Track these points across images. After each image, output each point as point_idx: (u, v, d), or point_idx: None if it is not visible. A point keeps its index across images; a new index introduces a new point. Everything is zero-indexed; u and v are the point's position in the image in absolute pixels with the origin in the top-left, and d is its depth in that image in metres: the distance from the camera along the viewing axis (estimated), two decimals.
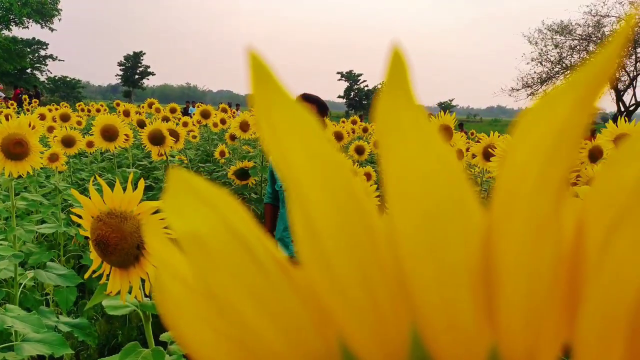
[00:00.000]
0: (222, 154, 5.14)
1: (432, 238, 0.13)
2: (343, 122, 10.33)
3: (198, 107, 6.49)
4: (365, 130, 9.86)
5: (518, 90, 30.02)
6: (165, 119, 6.47)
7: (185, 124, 5.90)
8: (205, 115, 6.22)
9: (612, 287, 0.12)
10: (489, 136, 3.27)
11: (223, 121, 6.43)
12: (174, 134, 3.80)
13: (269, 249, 0.16)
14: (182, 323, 0.17)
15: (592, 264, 0.12)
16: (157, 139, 3.53)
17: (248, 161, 4.24)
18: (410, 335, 0.14)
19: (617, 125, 2.39)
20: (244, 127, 4.55)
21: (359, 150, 5.73)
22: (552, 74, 29.10)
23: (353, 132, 9.33)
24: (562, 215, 0.12)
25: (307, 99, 2.39)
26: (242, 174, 4.06)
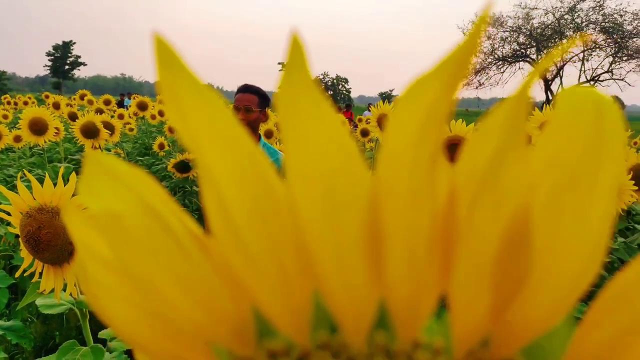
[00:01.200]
0: (161, 146, 5.00)
1: (328, 208, 0.14)
2: None
3: (134, 98, 6.28)
4: None
5: None
6: (99, 111, 6.21)
7: (121, 116, 5.69)
8: (142, 107, 6.03)
9: (478, 242, 0.14)
10: None
11: (161, 113, 6.25)
12: (109, 127, 3.66)
13: (186, 225, 0.17)
14: (105, 302, 0.17)
15: (462, 223, 0.14)
16: (90, 132, 3.40)
17: (188, 153, 4.15)
18: (314, 296, 0.15)
19: (542, 113, 2.53)
20: None
21: None
22: (485, 65, 30.27)
23: None
24: (437, 182, 0.14)
25: (248, 90, 2.35)
26: (183, 166, 3.98)
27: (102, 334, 1.22)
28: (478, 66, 30.12)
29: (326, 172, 0.14)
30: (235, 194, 0.15)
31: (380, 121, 3.04)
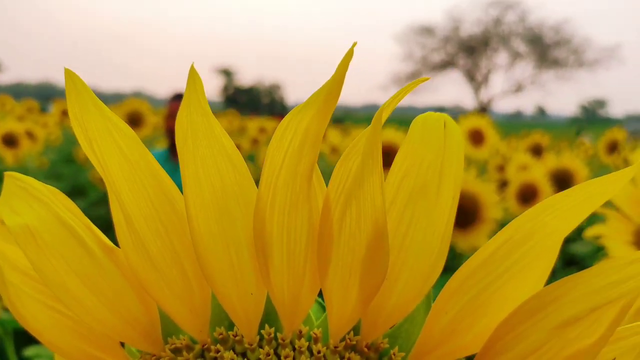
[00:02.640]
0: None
1: (219, 219, 0.16)
2: (219, 119, 10.17)
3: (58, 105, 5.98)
4: (242, 128, 9.82)
5: (389, 87, 31.94)
6: (21, 119, 5.86)
7: (44, 124, 5.41)
8: (67, 113, 5.76)
9: (348, 245, 0.16)
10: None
11: None
12: (31, 135, 3.48)
13: (97, 236, 0.18)
14: (24, 309, 0.19)
15: (335, 230, 0.16)
16: (10, 140, 3.21)
17: None
18: (212, 297, 0.17)
19: (467, 119, 2.68)
20: None
21: (238, 148, 5.70)
22: (417, 73, 31.35)
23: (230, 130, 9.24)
24: (313, 194, 0.16)
25: (181, 97, 2.32)
26: None
27: (27, 352, 1.17)
28: (411, 74, 31.16)
29: (218, 188, 0.16)
30: (137, 208, 0.17)
31: None
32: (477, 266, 0.16)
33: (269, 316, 0.17)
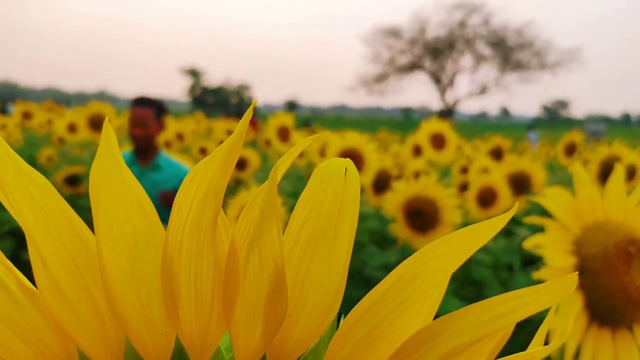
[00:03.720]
0: (49, 158, 4.67)
1: (130, 263, 0.17)
2: (186, 121, 10.05)
3: (19, 105, 5.80)
4: (209, 129, 9.73)
5: (357, 88, 32.17)
6: None
7: (3, 126, 5.24)
8: (28, 115, 5.60)
9: (252, 287, 0.18)
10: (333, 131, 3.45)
11: (49, 122, 5.84)
12: None
13: (18, 278, 0.19)
14: None
15: (241, 272, 0.18)
16: None
17: (79, 165, 3.92)
18: (126, 338, 0.18)
19: (430, 124, 2.73)
20: (73, 128, 4.20)
21: (203, 151, 5.66)
22: (385, 74, 31.71)
23: (195, 133, 9.14)
24: (219, 239, 0.18)
25: (143, 103, 2.27)
26: (73, 180, 3.75)
27: None
28: (378, 75, 31.50)
29: (129, 234, 0.17)
30: (51, 251, 0.18)
31: (280, 132, 3.09)
32: (372, 302, 0.18)
33: (180, 352, 0.19)
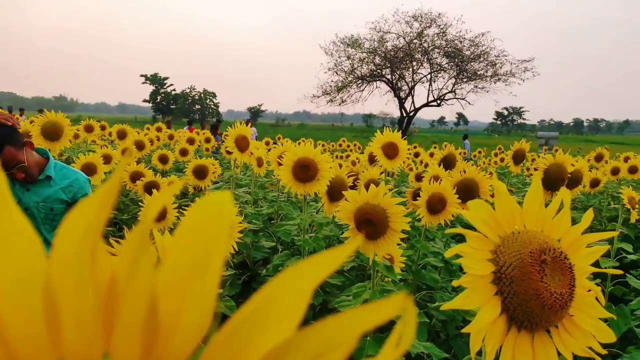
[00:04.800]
0: None
1: (14, 290, 0.19)
2: (148, 128, 9.88)
3: None
4: (171, 137, 9.60)
5: (319, 97, 32.33)
6: None
7: None
8: None
9: (130, 311, 0.20)
10: (295, 140, 3.46)
11: None
12: None
13: None
14: None
15: (121, 299, 0.20)
16: None
17: None
18: None
19: (382, 133, 2.80)
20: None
21: (163, 159, 5.59)
22: (346, 83, 32.02)
23: (158, 140, 9.01)
24: (100, 268, 0.20)
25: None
26: None
27: None
28: (340, 84, 31.77)
29: (10, 263, 0.19)
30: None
31: (238, 142, 3.10)
32: (238, 322, 0.21)
33: None
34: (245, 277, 3.38)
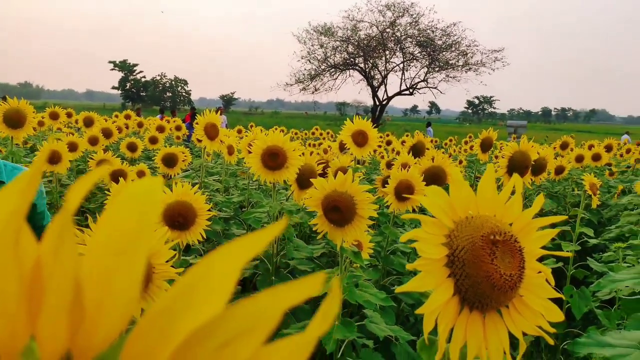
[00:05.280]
0: None
1: None
2: (116, 116, 9.67)
3: None
4: (140, 125, 9.42)
5: (292, 85, 32.17)
6: None
7: None
8: None
9: (56, 294, 0.20)
10: (268, 129, 3.45)
11: None
12: None
13: None
14: None
15: (45, 284, 0.20)
16: None
17: None
18: None
19: (352, 122, 2.81)
20: None
21: (131, 147, 5.49)
22: (319, 71, 31.93)
23: (127, 128, 8.83)
24: (23, 255, 0.20)
25: None
26: None
27: None
28: (313, 72, 31.66)
29: None
30: None
31: (207, 130, 3.07)
32: (166, 300, 0.21)
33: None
34: None
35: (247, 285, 3.06)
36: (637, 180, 5.64)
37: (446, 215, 0.74)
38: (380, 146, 9.45)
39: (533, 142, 3.12)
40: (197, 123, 3.03)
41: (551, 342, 0.74)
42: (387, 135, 10.88)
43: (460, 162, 8.70)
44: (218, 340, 0.21)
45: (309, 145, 9.82)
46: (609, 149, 6.90)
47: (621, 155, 9.86)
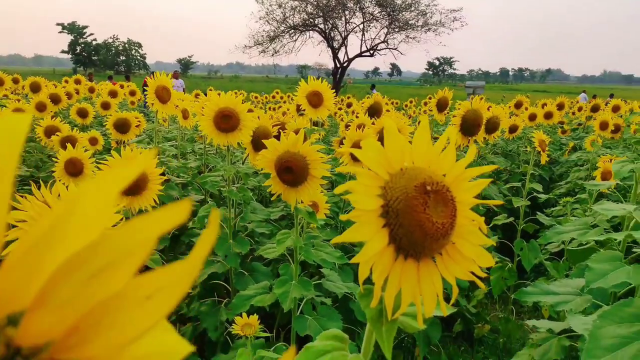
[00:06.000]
0: None
1: None
2: (66, 81, 9.26)
3: None
4: (91, 90, 9.06)
5: (251, 47, 31.40)
6: None
7: None
8: None
9: None
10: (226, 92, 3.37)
11: None
12: None
13: None
14: None
15: None
16: None
17: None
18: None
19: (307, 83, 2.79)
20: None
21: (82, 113, 5.28)
22: (278, 33, 31.24)
23: (77, 93, 8.49)
24: None
25: None
26: None
27: None
28: (272, 33, 30.94)
29: None
30: None
31: (158, 93, 2.98)
32: (36, 231, 0.21)
33: None
34: (175, 230, 3.35)
35: None
36: (587, 137, 5.86)
37: (381, 167, 0.75)
38: (341, 109, 9.43)
39: (490, 102, 3.18)
40: (147, 86, 2.94)
41: (483, 286, 0.77)
42: (348, 98, 10.86)
43: (419, 122, 8.79)
44: (88, 271, 0.21)
45: (270, 109, 9.71)
46: (560, 107, 7.12)
47: (573, 114, 10.19)
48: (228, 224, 2.48)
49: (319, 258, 2.05)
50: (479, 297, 3.83)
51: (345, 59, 32.12)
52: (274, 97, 14.42)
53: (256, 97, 14.56)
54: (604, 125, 5.49)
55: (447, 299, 0.80)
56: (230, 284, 2.48)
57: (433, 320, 2.94)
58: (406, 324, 0.83)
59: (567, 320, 1.81)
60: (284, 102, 12.98)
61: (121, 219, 1.33)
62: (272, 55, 31.54)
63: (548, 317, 3.32)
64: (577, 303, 2.03)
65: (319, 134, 3.72)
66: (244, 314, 1.76)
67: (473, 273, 0.79)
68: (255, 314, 1.78)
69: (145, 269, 0.22)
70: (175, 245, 3.12)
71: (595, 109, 7.94)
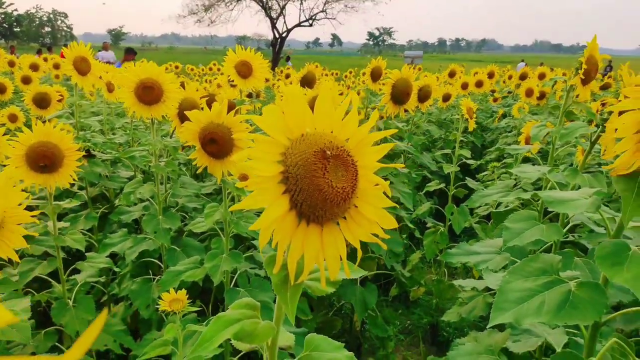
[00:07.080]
0: None
1: None
2: None
3: None
4: (11, 64, 8.45)
5: (185, 17, 30.23)
6: None
7: None
8: None
9: None
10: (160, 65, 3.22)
11: None
12: None
13: None
14: None
15: None
16: None
17: None
18: None
19: (235, 52, 2.71)
20: None
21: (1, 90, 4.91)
22: (213, 1, 30.19)
23: None
24: None
25: None
26: None
27: None
28: (207, 2, 29.86)
29: None
30: None
31: (77, 65, 2.81)
32: None
33: None
34: (104, 209, 3.22)
35: (137, 226, 2.97)
36: (516, 104, 6.10)
37: (281, 133, 0.74)
38: (280, 80, 9.30)
39: (428, 72, 3.23)
40: (63, 57, 2.76)
41: (384, 246, 0.79)
42: (288, 69, 10.72)
43: (359, 93, 8.84)
44: None
45: (206, 81, 9.44)
46: (491, 75, 7.35)
47: (504, 82, 10.56)
48: (157, 200, 2.42)
49: (247, 230, 2.04)
50: (414, 261, 3.97)
51: (284, 29, 31.57)
52: (210, 69, 14.02)
53: (192, 69, 14.11)
54: (529, 92, 5.72)
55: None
56: (162, 261, 2.44)
57: (369, 286, 3.02)
58: (314, 288, 0.84)
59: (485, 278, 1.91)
60: (221, 73, 12.66)
61: (27, 198, 1.26)
62: (209, 25, 30.51)
63: (478, 277, 3.49)
64: (496, 262, 2.13)
65: (254, 106, 3.66)
66: (172, 290, 1.73)
67: (376, 235, 0.81)
68: (184, 289, 1.75)
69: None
70: (104, 224, 3.01)
71: (523, 77, 8.24)
